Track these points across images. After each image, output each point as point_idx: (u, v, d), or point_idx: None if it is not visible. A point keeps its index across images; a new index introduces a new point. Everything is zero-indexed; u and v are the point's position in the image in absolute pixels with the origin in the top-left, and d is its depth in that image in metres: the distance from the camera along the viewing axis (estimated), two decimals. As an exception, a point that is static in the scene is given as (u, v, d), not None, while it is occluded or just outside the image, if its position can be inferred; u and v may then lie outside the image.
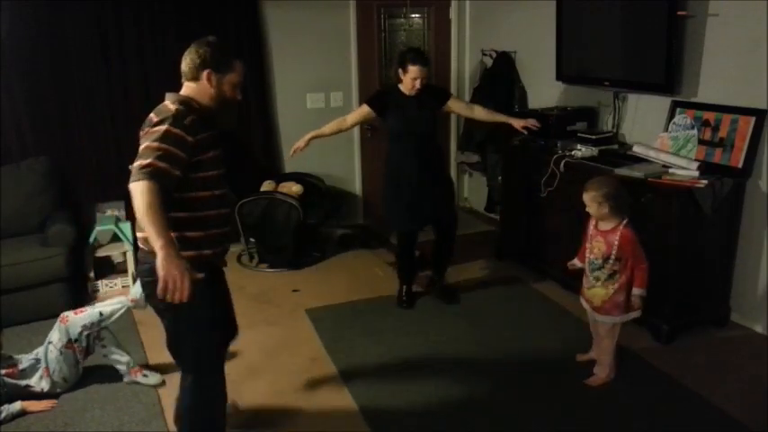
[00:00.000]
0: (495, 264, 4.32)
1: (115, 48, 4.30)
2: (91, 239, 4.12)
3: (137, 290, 2.86)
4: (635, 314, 2.88)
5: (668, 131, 3.56)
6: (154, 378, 3.04)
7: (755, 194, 3.29)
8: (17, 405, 2.80)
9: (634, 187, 3.27)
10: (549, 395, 2.90)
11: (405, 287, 3.88)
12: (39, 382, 2.89)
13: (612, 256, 2.77)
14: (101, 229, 4.17)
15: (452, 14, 5.43)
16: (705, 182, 3.11)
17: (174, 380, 2.98)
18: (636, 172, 3.30)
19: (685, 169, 3.26)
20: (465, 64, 5.52)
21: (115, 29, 4.26)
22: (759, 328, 3.39)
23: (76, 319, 2.89)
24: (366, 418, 2.76)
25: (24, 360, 2.95)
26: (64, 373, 2.92)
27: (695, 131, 3.43)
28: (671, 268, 3.20)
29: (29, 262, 3.62)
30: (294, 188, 4.51)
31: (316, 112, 5.12)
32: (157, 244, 1.82)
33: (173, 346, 2.28)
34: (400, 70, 3.51)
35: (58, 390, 2.93)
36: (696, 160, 3.32)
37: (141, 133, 2.13)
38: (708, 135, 3.41)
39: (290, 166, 5.08)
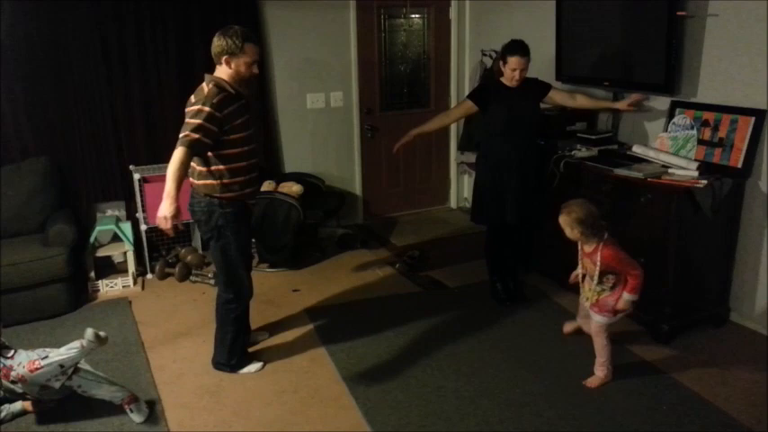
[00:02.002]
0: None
1: (115, 48, 4.30)
2: (91, 239, 4.13)
3: (89, 334, 2.67)
4: (622, 314, 2.93)
5: (668, 131, 3.57)
6: (138, 416, 2.77)
7: (755, 194, 3.30)
8: (18, 405, 2.80)
9: (634, 187, 3.29)
10: (549, 394, 2.90)
11: (498, 284, 3.87)
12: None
13: (602, 270, 2.86)
14: (101, 229, 4.17)
15: (452, 14, 5.44)
16: (704, 182, 3.11)
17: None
18: (635, 172, 3.30)
19: (685, 169, 3.27)
20: (465, 64, 5.52)
21: (115, 29, 4.26)
22: (759, 328, 3.39)
23: (34, 377, 2.63)
24: (366, 418, 2.76)
25: (17, 369, 2.73)
26: (53, 398, 2.80)
27: (695, 131, 3.44)
28: (671, 268, 3.20)
29: (29, 262, 3.62)
30: (294, 188, 4.51)
31: (316, 112, 5.12)
32: (165, 193, 2.59)
33: (215, 264, 3.06)
34: (501, 62, 3.51)
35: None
36: (695, 160, 3.33)
37: (186, 110, 2.75)
38: (707, 135, 3.41)
39: (289, 166, 5.08)
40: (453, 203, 5.93)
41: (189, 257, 4.39)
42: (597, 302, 2.92)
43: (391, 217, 5.63)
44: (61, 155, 4.28)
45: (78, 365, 2.72)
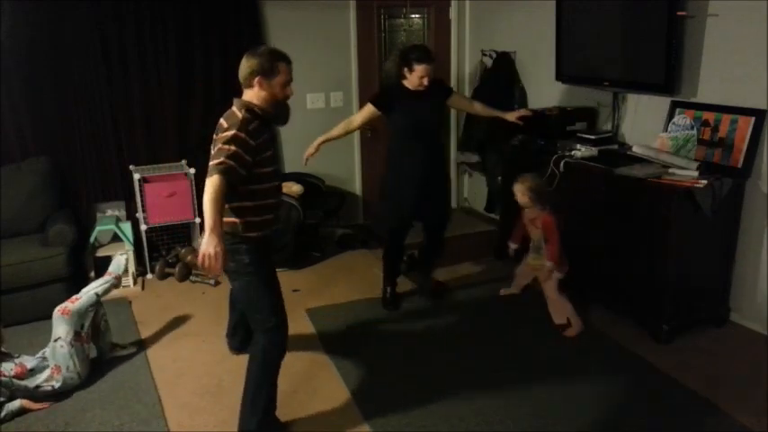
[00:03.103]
0: (494, 263, 4.32)
1: (115, 48, 4.29)
2: (91, 239, 4.13)
3: (116, 266, 3.35)
4: (558, 275, 3.49)
5: (668, 131, 3.56)
6: (131, 348, 3.35)
7: (755, 194, 3.30)
8: (17, 403, 2.81)
9: (634, 187, 3.28)
10: (549, 394, 2.90)
11: (389, 288, 3.86)
12: (48, 381, 2.89)
13: (544, 238, 3.47)
14: (101, 229, 4.17)
15: (452, 14, 5.44)
16: (704, 182, 3.11)
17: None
18: (635, 172, 3.30)
19: (685, 169, 3.27)
20: (465, 64, 5.52)
21: (115, 29, 4.26)
22: (759, 328, 3.39)
23: (77, 306, 3.02)
24: (366, 418, 2.76)
25: (30, 360, 2.94)
26: (78, 369, 2.96)
27: (695, 131, 3.44)
28: (671, 268, 3.20)
29: (29, 262, 3.62)
30: (294, 188, 4.51)
31: (316, 112, 5.12)
32: (208, 226, 2.23)
33: (242, 302, 2.77)
34: (405, 69, 3.49)
35: (69, 387, 2.94)
36: (695, 160, 3.33)
37: (215, 137, 2.47)
38: (707, 135, 3.41)
39: (289, 166, 5.08)
40: (453, 203, 5.93)
41: (189, 257, 4.38)
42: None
43: (391, 217, 5.62)
44: (61, 155, 4.28)
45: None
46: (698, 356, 3.18)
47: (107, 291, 3.23)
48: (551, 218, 3.41)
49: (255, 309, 2.63)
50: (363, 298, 3.98)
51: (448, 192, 3.85)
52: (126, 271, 3.38)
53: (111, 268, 3.41)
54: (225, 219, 2.41)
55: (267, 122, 2.53)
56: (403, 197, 3.63)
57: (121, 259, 3.46)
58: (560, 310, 3.49)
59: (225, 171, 2.30)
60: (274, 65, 2.48)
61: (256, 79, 2.46)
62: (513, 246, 3.75)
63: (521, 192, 3.46)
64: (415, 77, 3.45)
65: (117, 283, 3.34)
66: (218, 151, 2.35)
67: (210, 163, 2.35)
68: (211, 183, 2.28)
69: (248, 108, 2.46)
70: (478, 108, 3.89)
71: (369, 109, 3.62)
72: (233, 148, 2.34)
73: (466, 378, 3.05)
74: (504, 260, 4.44)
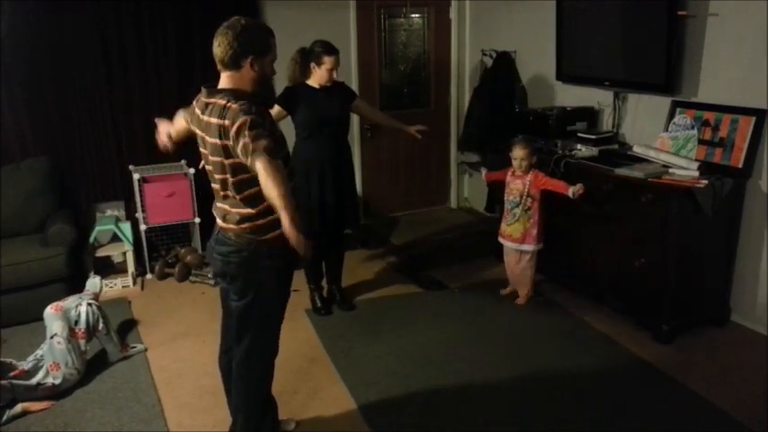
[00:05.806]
0: (494, 263, 4.31)
1: (115, 47, 4.30)
2: (91, 239, 4.13)
3: (91, 285, 3.42)
4: (541, 245, 3.72)
5: (668, 131, 3.56)
6: (140, 346, 3.36)
7: (755, 194, 3.29)
8: (18, 408, 2.81)
9: (634, 187, 3.28)
10: (549, 394, 2.90)
11: (316, 294, 3.80)
12: (46, 378, 2.90)
13: (526, 193, 3.62)
14: (101, 229, 4.17)
15: (452, 14, 5.44)
16: (705, 182, 3.11)
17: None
18: (636, 172, 3.30)
19: (685, 169, 3.26)
20: (465, 64, 5.52)
21: (115, 29, 4.26)
22: (759, 328, 3.39)
23: (67, 303, 3.13)
24: (366, 418, 2.76)
25: (25, 364, 2.96)
26: (76, 365, 2.97)
27: (695, 131, 3.43)
28: (671, 268, 3.20)
29: (29, 262, 3.62)
30: (294, 188, 4.50)
31: (316, 112, 5.11)
32: (290, 215, 1.93)
33: (241, 323, 2.31)
34: (313, 64, 3.45)
35: (69, 383, 2.95)
36: (696, 160, 3.33)
37: (228, 143, 2.08)
38: (708, 135, 3.41)
39: (290, 166, 5.07)
40: (453, 203, 5.93)
41: (188, 257, 4.38)
42: (525, 234, 3.66)
43: (391, 217, 5.63)
44: (61, 155, 4.29)
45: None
46: (698, 356, 3.18)
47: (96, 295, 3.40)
48: (538, 170, 3.63)
49: (247, 342, 2.32)
50: (362, 298, 3.98)
51: (356, 196, 3.72)
52: (102, 289, 3.56)
53: (87, 286, 3.51)
54: (249, 224, 2.15)
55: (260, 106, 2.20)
56: (313, 199, 3.52)
57: (96, 280, 3.56)
58: (528, 283, 3.77)
59: (270, 149, 1.97)
60: (267, 41, 2.18)
61: (248, 60, 2.13)
62: (484, 174, 4.03)
63: (528, 157, 3.59)
64: (324, 71, 3.43)
65: (95, 298, 3.34)
66: (254, 139, 1.96)
67: (250, 148, 1.97)
68: (267, 168, 1.92)
69: (237, 96, 2.10)
70: (381, 118, 3.93)
71: (275, 108, 3.46)
72: (259, 130, 2.00)
73: (466, 378, 3.05)
74: (503, 260, 4.45)
